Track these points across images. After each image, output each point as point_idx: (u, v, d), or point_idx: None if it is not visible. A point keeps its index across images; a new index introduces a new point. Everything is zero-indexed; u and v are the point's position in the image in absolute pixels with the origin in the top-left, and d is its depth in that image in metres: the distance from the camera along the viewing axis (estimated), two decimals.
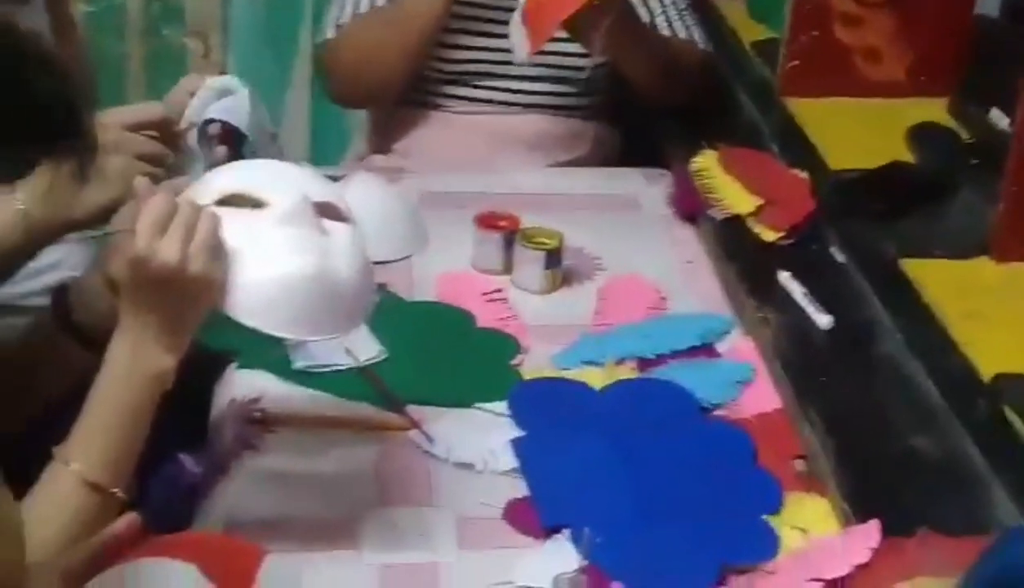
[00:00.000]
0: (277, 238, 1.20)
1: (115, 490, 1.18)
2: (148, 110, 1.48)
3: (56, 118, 0.81)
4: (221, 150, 1.44)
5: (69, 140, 0.83)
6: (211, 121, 1.46)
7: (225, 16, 2.72)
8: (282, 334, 1.23)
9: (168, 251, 1.15)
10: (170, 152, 1.47)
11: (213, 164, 1.42)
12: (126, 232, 1.17)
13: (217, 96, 1.50)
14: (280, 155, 1.52)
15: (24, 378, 1.31)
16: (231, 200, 1.23)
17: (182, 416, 1.58)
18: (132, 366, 1.18)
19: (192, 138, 1.47)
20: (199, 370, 1.66)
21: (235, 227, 1.20)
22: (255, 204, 1.22)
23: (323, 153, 2.68)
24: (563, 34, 2.06)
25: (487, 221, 1.82)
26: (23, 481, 1.17)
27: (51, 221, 1.42)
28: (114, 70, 2.72)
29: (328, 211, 1.25)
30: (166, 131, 1.48)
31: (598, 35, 1.97)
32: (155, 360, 1.19)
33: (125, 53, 2.73)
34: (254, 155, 1.45)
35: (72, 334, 1.29)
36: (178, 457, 1.57)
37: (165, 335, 1.18)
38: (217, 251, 1.17)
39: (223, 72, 2.68)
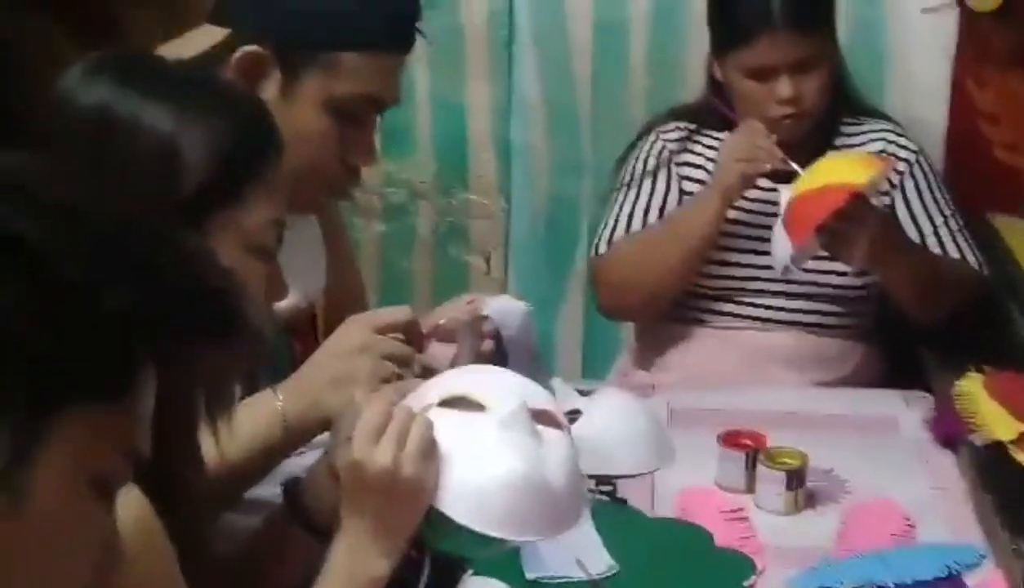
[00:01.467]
0: (493, 440, 1.25)
1: None
2: (396, 313, 1.56)
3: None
4: (488, 344, 1.51)
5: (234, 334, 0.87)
6: (485, 318, 1.54)
7: (507, 236, 2.86)
8: (491, 533, 1.26)
9: (382, 456, 1.21)
10: (415, 354, 1.55)
11: (477, 358, 1.49)
12: (348, 439, 1.24)
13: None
14: (544, 375, 1.58)
15: (258, 571, 1.39)
16: (453, 402, 1.29)
17: None
18: (350, 569, 1.24)
19: (464, 332, 1.54)
20: (440, 575, 1.72)
21: (454, 427, 1.26)
22: (476, 407, 1.28)
23: (593, 367, 2.74)
24: (825, 253, 2.07)
25: (731, 439, 1.82)
26: None
27: (307, 420, 1.52)
28: (403, 285, 2.89)
29: (545, 418, 1.30)
30: (413, 334, 1.56)
31: (856, 248, 1.98)
32: (371, 564, 1.24)
33: (413, 269, 2.90)
34: (515, 363, 1.52)
35: (302, 525, 1.36)
36: None
37: (380, 539, 1.23)
38: (429, 455, 1.23)
39: (503, 289, 2.82)
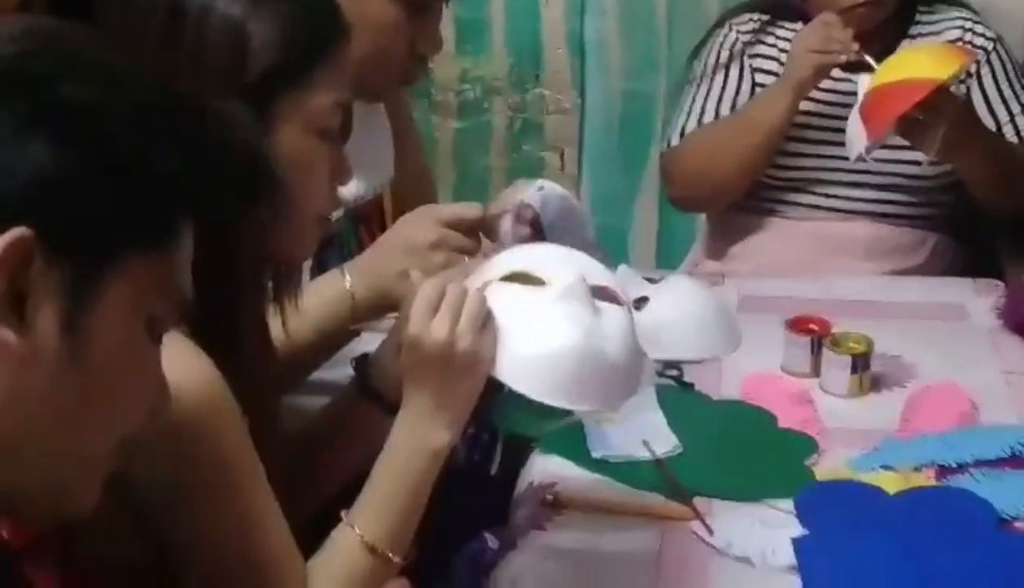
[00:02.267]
0: (551, 312, 1.28)
1: (392, 554, 1.27)
2: (466, 209, 1.58)
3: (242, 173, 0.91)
4: (525, 230, 1.53)
5: (256, 197, 0.93)
6: (526, 206, 1.56)
7: (581, 132, 2.87)
8: (548, 401, 1.29)
9: (438, 330, 1.24)
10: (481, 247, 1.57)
11: (518, 244, 1.52)
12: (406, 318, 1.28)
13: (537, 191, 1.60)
14: (590, 241, 1.59)
15: (329, 451, 1.44)
16: (516, 278, 1.32)
17: (492, 498, 1.69)
18: (413, 442, 1.28)
19: (506, 222, 1.57)
20: (509, 457, 1.77)
21: (514, 301, 1.29)
22: (537, 282, 1.31)
23: (668, 260, 2.76)
24: (901, 141, 2.06)
25: (798, 325, 1.83)
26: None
27: (374, 302, 1.56)
28: (479, 182, 2.92)
29: (604, 294, 1.32)
30: (483, 229, 1.59)
31: (934, 139, 1.96)
32: (433, 436, 1.27)
33: (489, 166, 2.93)
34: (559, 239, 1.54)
35: (371, 399, 1.41)
36: (482, 535, 1.66)
37: (441, 412, 1.27)
38: (485, 327, 1.26)
39: (576, 184, 2.84)
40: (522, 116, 2.89)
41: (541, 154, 2.90)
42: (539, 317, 1.28)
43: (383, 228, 1.88)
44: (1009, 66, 2.23)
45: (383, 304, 1.54)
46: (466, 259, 1.51)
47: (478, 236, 1.58)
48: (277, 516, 1.20)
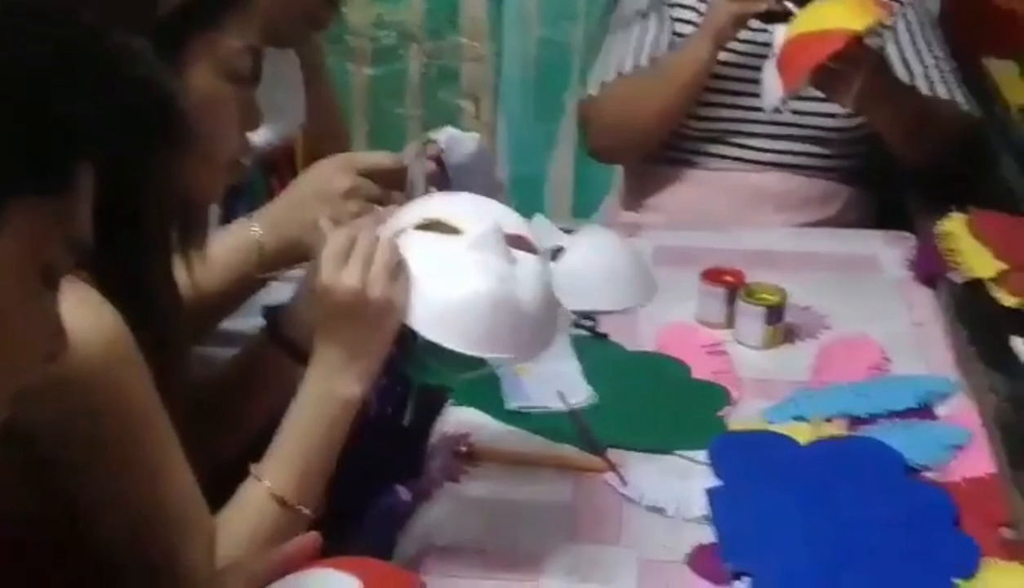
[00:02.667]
0: (467, 260, 1.26)
1: (302, 507, 1.25)
2: (382, 158, 1.56)
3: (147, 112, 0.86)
4: (430, 165, 1.51)
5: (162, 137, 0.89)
6: (430, 141, 1.54)
7: (497, 80, 2.85)
8: (461, 349, 1.28)
9: (349, 278, 1.22)
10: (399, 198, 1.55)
11: (419, 179, 1.50)
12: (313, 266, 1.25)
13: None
14: (499, 188, 1.58)
15: (240, 401, 1.42)
16: (430, 226, 1.30)
17: (405, 450, 1.67)
18: (323, 393, 1.26)
19: (411, 158, 1.54)
20: (422, 407, 1.75)
21: (428, 249, 1.27)
22: (451, 231, 1.30)
23: (585, 210, 2.75)
24: (817, 93, 2.06)
25: (712, 276, 1.83)
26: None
27: (285, 254, 1.53)
28: (393, 130, 2.89)
29: (519, 243, 1.31)
30: (399, 179, 1.57)
31: (849, 90, 1.96)
32: (344, 387, 1.26)
33: (404, 114, 2.89)
34: (466, 190, 1.52)
35: (283, 349, 1.38)
36: (395, 488, 1.65)
37: (352, 362, 1.25)
38: (397, 275, 1.24)
39: (493, 132, 2.81)
40: (437, 63, 2.86)
41: (457, 102, 2.87)
42: (453, 265, 1.26)
43: (294, 176, 1.85)
44: (925, 20, 2.25)
45: (294, 253, 1.51)
46: (379, 208, 1.49)
47: (393, 186, 1.55)
48: (184, 469, 1.17)
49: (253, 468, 1.24)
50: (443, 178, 1.50)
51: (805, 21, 1.99)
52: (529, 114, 2.84)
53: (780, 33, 2.00)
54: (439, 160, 1.51)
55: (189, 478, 1.18)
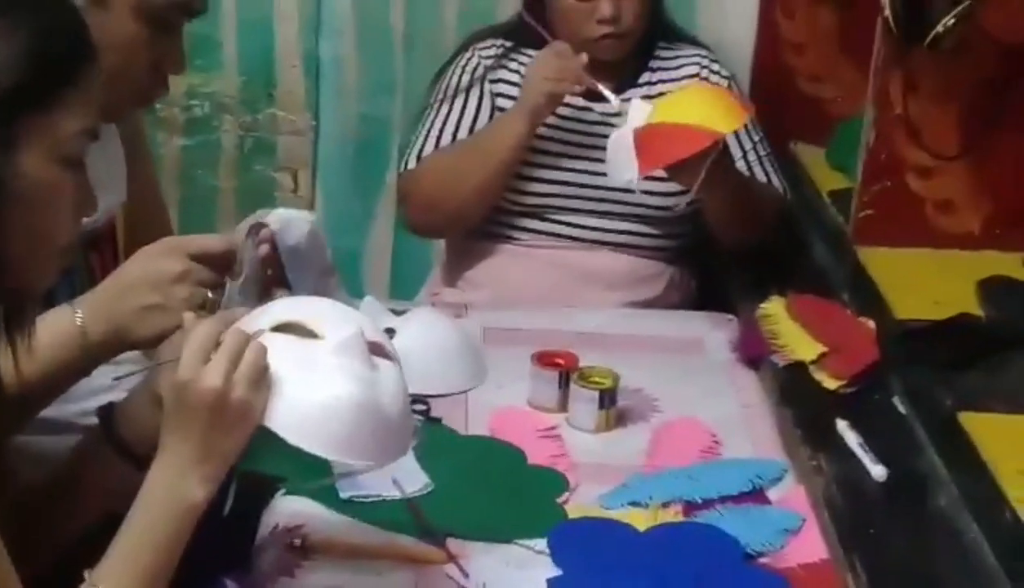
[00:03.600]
0: (330, 365, 1.23)
1: None
2: (212, 241, 1.51)
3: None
4: (263, 248, 1.47)
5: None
6: (263, 225, 1.49)
7: (315, 154, 2.81)
8: (323, 454, 1.24)
9: (212, 377, 1.17)
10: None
11: (252, 262, 1.45)
12: (173, 361, 1.19)
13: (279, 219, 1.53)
14: (335, 290, 1.54)
15: (68, 500, 1.34)
16: (286, 329, 1.26)
17: (229, 539, 1.61)
18: (167, 496, 1.19)
19: (240, 235, 1.49)
20: (247, 496, 1.69)
21: (289, 352, 1.23)
22: (310, 334, 1.25)
23: (403, 286, 2.73)
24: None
25: (545, 359, 1.83)
26: None
27: (110, 343, 1.46)
28: (207, 202, 2.81)
29: (377, 350, 1.28)
30: (230, 262, 1.52)
31: (697, 176, 1.98)
32: (190, 491, 1.19)
33: (217, 187, 2.82)
34: (299, 275, 1.48)
35: (117, 451, 1.31)
36: (223, 582, 1.58)
37: (201, 464, 1.19)
38: (261, 379, 1.20)
39: (311, 207, 2.77)
40: (253, 135, 2.80)
41: (273, 175, 2.81)
42: (316, 369, 1.22)
43: (115, 254, 1.78)
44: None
45: (120, 342, 1.45)
46: (209, 294, 1.44)
47: (223, 270, 1.50)
48: (9, 581, 1.09)
49: (88, 575, 1.17)
50: (276, 261, 1.46)
51: (670, 110, 1.99)
52: (348, 189, 2.80)
53: (637, 110, 2.00)
54: (272, 243, 1.47)
55: (14, 584, 1.10)
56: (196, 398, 1.17)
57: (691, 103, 2.00)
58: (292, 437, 1.21)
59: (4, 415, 1.27)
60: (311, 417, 1.20)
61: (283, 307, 1.30)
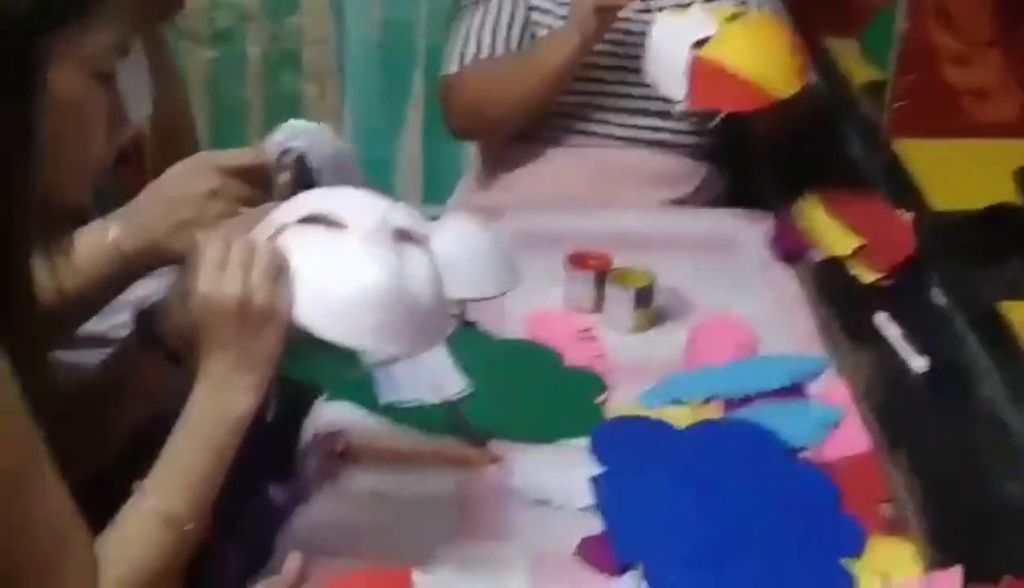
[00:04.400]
0: (355, 254, 1.22)
1: (191, 526, 1.19)
2: (243, 155, 1.50)
3: None
4: (284, 176, 1.47)
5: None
6: (286, 151, 1.49)
7: (341, 62, 2.79)
8: (352, 345, 1.24)
9: (230, 286, 1.17)
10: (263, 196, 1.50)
11: (281, 190, 1.45)
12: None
13: (294, 132, 1.53)
14: (363, 183, 1.54)
15: (110, 406, 1.35)
16: (314, 221, 1.26)
17: (272, 448, 1.62)
18: (213, 411, 1.20)
19: (272, 150, 1.49)
20: (289, 404, 1.70)
21: (314, 244, 1.23)
22: (337, 225, 1.25)
23: (435, 192, 2.72)
24: None
25: (578, 260, 1.82)
26: (108, 512, 1.20)
27: (144, 255, 1.46)
28: (236, 114, 2.80)
29: (407, 237, 1.27)
30: (263, 176, 1.51)
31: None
32: (235, 402, 1.20)
33: (246, 98, 2.81)
34: (331, 184, 1.48)
35: (153, 348, 1.32)
36: (267, 489, 1.60)
37: (241, 374, 1.20)
38: (279, 276, 1.20)
39: (339, 115, 2.76)
40: (279, 45, 2.78)
41: (300, 85, 2.80)
42: (343, 260, 1.22)
43: (142, 169, 1.77)
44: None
45: (156, 257, 1.45)
46: (247, 210, 1.44)
47: (257, 184, 1.50)
48: (59, 490, 1.10)
49: (137, 486, 1.18)
50: (304, 184, 1.46)
51: (731, 44, 1.95)
52: (375, 96, 2.79)
53: (698, 19, 1.96)
54: (295, 167, 1.46)
55: (64, 498, 1.11)
56: (220, 309, 1.18)
57: (755, 49, 1.96)
58: (323, 330, 1.20)
59: (45, 330, 1.28)
60: (337, 307, 1.20)
61: (308, 200, 1.29)
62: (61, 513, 1.11)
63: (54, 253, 1.23)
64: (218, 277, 1.18)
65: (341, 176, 1.53)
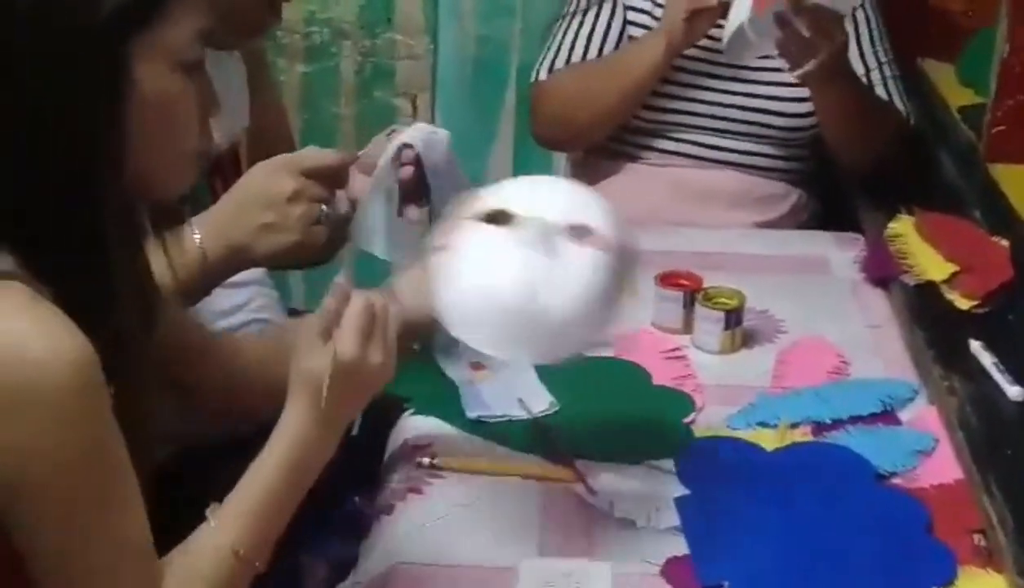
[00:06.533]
0: (500, 257, 1.26)
1: (258, 562, 1.20)
2: (324, 156, 1.52)
3: None
4: (407, 170, 1.48)
5: None
6: (406, 146, 1.51)
7: (433, 77, 2.81)
8: (473, 347, 1.28)
9: (375, 356, 1.22)
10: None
11: (398, 184, 1.47)
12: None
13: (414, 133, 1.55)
14: (468, 187, 1.55)
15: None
16: (496, 216, 1.29)
17: (357, 460, 1.63)
18: (303, 456, 1.22)
19: (385, 159, 1.51)
20: (374, 416, 1.71)
21: (478, 244, 1.27)
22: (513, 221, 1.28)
23: None
24: (768, 91, 2.03)
25: (669, 280, 1.81)
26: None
27: (229, 263, 1.48)
28: (328, 129, 2.83)
29: (582, 233, 1.28)
30: (344, 177, 1.53)
31: (810, 61, 1.93)
32: (325, 454, 1.24)
33: (338, 113, 2.84)
34: (441, 190, 1.50)
35: None
36: (353, 500, 1.61)
37: (340, 428, 1.24)
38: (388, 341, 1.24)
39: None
40: (372, 61, 2.81)
41: (392, 101, 2.82)
42: (490, 261, 1.26)
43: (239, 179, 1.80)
44: (874, 20, 2.24)
45: (238, 259, 1.48)
46: (323, 208, 1.46)
47: (337, 185, 1.52)
48: (137, 506, 1.11)
49: (211, 514, 1.19)
50: (420, 181, 1.48)
51: None
52: (467, 112, 2.80)
53: None
54: (415, 163, 1.48)
55: (139, 522, 1.12)
56: (362, 379, 1.22)
57: None
58: (452, 328, 1.26)
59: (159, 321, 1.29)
60: (470, 311, 1.25)
61: (504, 190, 1.32)
62: (137, 537, 1.12)
63: (165, 240, 1.25)
64: (363, 346, 1.21)
65: (451, 179, 1.55)
